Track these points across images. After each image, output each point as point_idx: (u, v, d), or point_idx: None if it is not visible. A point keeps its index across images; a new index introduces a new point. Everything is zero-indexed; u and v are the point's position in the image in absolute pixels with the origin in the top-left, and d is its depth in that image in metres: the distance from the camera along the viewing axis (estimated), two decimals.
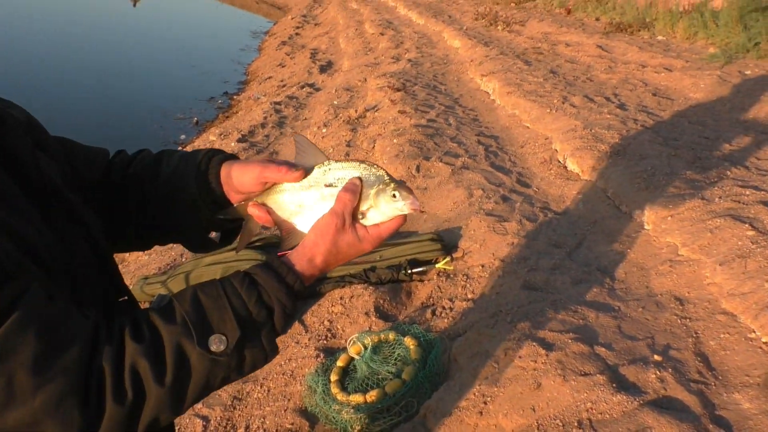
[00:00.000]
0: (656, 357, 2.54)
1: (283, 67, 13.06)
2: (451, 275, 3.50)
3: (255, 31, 20.18)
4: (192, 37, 19.18)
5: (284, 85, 11.01)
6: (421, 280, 3.57)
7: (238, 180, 1.15)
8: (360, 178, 1.09)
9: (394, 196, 1.06)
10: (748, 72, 6.20)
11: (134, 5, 25.05)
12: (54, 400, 0.83)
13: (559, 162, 4.66)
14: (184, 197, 1.18)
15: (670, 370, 2.45)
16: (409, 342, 2.97)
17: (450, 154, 4.97)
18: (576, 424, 2.26)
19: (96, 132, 8.37)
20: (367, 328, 3.20)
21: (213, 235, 1.27)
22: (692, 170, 3.89)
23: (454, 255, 3.67)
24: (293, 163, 1.14)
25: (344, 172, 1.11)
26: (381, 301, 3.39)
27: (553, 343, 2.62)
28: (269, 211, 1.15)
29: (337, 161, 1.12)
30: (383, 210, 1.07)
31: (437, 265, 3.56)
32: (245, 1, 28.72)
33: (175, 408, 0.93)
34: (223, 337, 0.94)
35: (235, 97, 11.87)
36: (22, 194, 1.00)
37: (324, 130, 6.52)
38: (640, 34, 8.97)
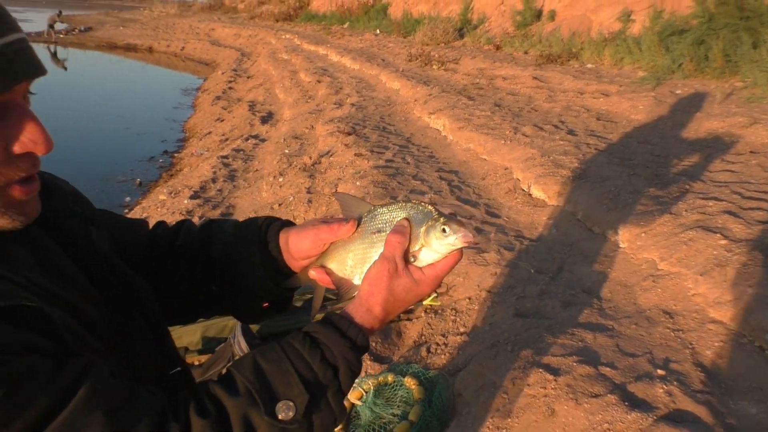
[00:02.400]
0: (659, 371, 2.59)
1: (221, 121, 12.98)
2: (439, 311, 3.49)
3: (186, 88, 20.00)
4: (123, 100, 18.84)
5: (227, 139, 10.93)
6: (409, 319, 3.55)
7: (295, 247, 1.12)
8: (407, 219, 1.03)
9: (444, 231, 0.99)
10: (678, 91, 6.55)
11: (65, 69, 24.63)
12: None
13: (524, 190, 4.77)
14: (244, 267, 1.13)
15: (675, 383, 2.50)
16: (409, 382, 2.93)
17: (415, 191, 5.02)
18: None
19: None
20: (364, 373, 3.14)
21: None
22: (654, 187, 4.05)
23: (439, 291, 3.66)
24: (343, 218, 1.10)
25: (390, 214, 1.05)
26: (373, 344, 3.34)
27: (559, 368, 2.63)
28: (328, 272, 1.10)
29: (382, 205, 1.07)
30: (435, 248, 1.00)
31: (424, 302, 3.55)
32: (171, 60, 28.53)
33: None
34: (291, 403, 0.87)
35: (176, 155, 11.66)
36: (78, 268, 0.97)
37: (281, 180, 6.47)
38: (570, 64, 9.38)
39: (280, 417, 0.86)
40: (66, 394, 0.77)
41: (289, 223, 1.17)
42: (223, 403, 0.86)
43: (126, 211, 8.13)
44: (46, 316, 0.80)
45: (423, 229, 1.00)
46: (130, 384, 0.84)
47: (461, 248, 1.00)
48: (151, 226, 1.26)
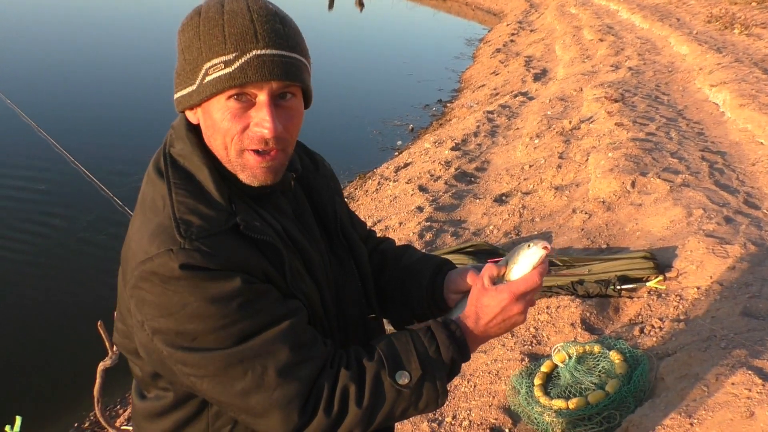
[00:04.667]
0: None
1: (496, 75, 13.27)
2: (663, 295, 3.47)
3: (470, 38, 20.56)
4: (411, 46, 20.09)
5: (497, 94, 11.22)
6: (630, 297, 3.58)
7: (454, 284, 1.42)
8: (506, 259, 1.29)
9: (528, 246, 1.24)
10: None
11: (361, 11, 26.92)
12: (286, 399, 1.11)
13: None
14: (415, 285, 1.48)
15: None
16: (614, 356, 3.04)
17: (669, 170, 4.83)
18: None
19: (324, 139, 9.07)
20: (573, 339, 3.31)
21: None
22: None
23: (668, 274, 3.61)
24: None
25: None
26: (587, 314, 3.47)
27: None
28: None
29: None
30: (521, 261, 1.24)
31: (649, 284, 3.55)
32: (461, 8, 29.29)
33: (365, 426, 1.15)
34: (407, 373, 1.17)
35: (448, 104, 12.28)
36: (317, 224, 1.38)
37: (536, 141, 6.62)
38: None
39: (399, 381, 1.16)
40: (277, 320, 1.14)
41: (453, 267, 1.50)
42: (363, 363, 1.18)
43: (396, 153, 8.98)
44: (280, 254, 1.19)
45: (515, 254, 1.27)
46: (315, 333, 1.21)
47: (541, 260, 1.22)
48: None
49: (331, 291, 1.32)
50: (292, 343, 1.13)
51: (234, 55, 1.11)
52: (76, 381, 4.15)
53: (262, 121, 1.15)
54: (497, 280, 1.27)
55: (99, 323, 3.19)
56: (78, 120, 9.81)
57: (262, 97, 1.15)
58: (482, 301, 1.24)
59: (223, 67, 1.11)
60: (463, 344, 1.22)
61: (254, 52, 1.12)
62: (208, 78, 1.13)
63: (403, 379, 1.16)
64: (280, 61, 1.14)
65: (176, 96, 1.19)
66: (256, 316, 1.12)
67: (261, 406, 1.12)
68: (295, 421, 1.12)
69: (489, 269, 1.27)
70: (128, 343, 1.26)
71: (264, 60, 1.12)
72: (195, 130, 1.22)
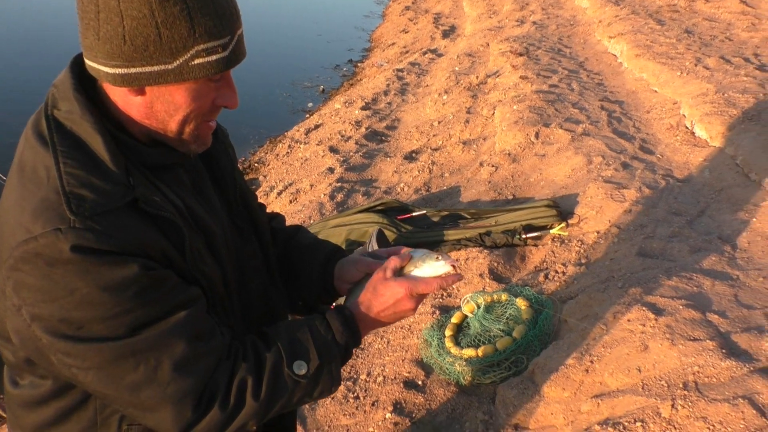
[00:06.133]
0: None
1: (406, 33, 13.20)
2: (566, 241, 3.57)
3: None
4: (319, 6, 19.66)
5: (407, 52, 11.17)
6: (536, 245, 3.67)
7: (347, 273, 1.41)
8: (411, 254, 1.30)
9: (437, 258, 1.25)
10: None
11: None
12: (179, 394, 1.06)
13: (687, 128, 4.52)
14: (305, 271, 1.46)
15: None
16: (520, 303, 3.11)
17: (571, 120, 4.95)
18: (681, 385, 2.32)
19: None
20: (481, 289, 3.37)
21: None
22: None
23: (570, 221, 3.72)
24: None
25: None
26: (495, 264, 3.54)
27: (664, 309, 2.66)
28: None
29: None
30: (425, 268, 1.26)
31: (552, 231, 3.65)
32: None
33: (260, 418, 1.14)
34: (305, 363, 1.16)
35: (359, 64, 12.14)
36: (219, 197, 1.31)
37: (444, 97, 6.63)
38: None
39: (297, 372, 1.15)
40: (174, 310, 1.07)
41: (345, 254, 1.49)
42: (261, 353, 1.16)
43: (307, 116, 8.81)
44: (181, 232, 1.10)
45: (420, 257, 1.28)
46: (213, 323, 1.14)
47: (444, 275, 1.24)
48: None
49: (233, 266, 1.26)
50: (188, 335, 1.07)
51: (229, 38, 1.06)
52: None
53: (229, 96, 1.14)
54: (398, 272, 1.27)
55: None
56: None
57: (228, 74, 1.13)
58: (379, 290, 1.24)
59: (221, 51, 1.06)
60: (356, 330, 1.23)
61: (237, 32, 1.08)
62: (198, 60, 1.04)
63: (301, 369, 1.15)
64: (242, 37, 1.12)
65: (130, 71, 1.03)
66: (153, 305, 1.04)
67: (152, 401, 1.06)
68: (188, 416, 1.07)
69: (393, 261, 1.27)
70: None
71: (241, 39, 1.11)
72: (84, 90, 1.08)
